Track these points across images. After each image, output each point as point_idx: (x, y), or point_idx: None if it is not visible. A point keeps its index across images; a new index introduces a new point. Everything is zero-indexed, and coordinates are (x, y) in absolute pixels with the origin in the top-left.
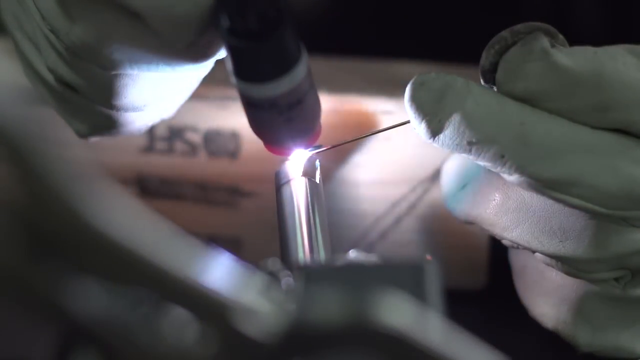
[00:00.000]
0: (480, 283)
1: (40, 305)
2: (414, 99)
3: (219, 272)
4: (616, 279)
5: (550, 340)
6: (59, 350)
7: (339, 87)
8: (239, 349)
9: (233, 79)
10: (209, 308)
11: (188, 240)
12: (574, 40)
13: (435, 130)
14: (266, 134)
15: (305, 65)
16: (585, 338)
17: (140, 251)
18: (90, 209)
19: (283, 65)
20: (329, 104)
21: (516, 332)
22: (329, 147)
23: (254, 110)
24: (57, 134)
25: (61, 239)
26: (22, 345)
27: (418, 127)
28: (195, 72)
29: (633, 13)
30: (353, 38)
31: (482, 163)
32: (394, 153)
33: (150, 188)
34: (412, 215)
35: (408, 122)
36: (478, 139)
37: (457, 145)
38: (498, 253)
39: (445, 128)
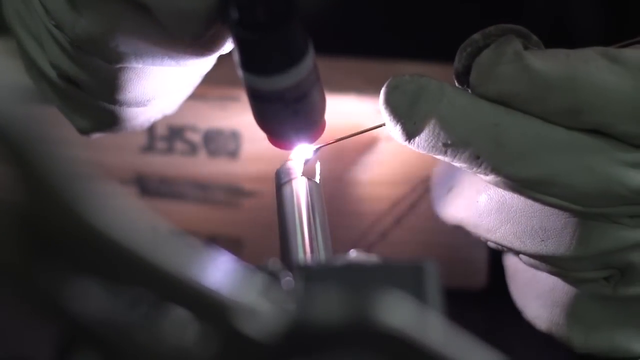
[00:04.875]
0: (480, 283)
1: (41, 305)
2: (389, 102)
3: (219, 272)
4: (606, 279)
5: (550, 340)
6: (59, 350)
7: (339, 87)
8: (239, 349)
9: (240, 72)
10: (209, 308)
11: (188, 240)
12: (574, 42)
13: (410, 133)
14: (271, 127)
15: (312, 59)
16: (579, 339)
17: (140, 251)
18: (90, 209)
19: (290, 58)
20: (328, 103)
21: (516, 332)
22: (327, 143)
23: (260, 103)
24: (57, 134)
25: (61, 238)
26: (23, 345)
27: (393, 130)
28: (198, 67)
29: (632, 14)
30: (353, 38)
31: (458, 164)
32: (394, 153)
33: (150, 188)
34: (412, 215)
35: (383, 124)
36: (453, 141)
37: (432, 147)
38: (498, 253)
39: (421, 130)
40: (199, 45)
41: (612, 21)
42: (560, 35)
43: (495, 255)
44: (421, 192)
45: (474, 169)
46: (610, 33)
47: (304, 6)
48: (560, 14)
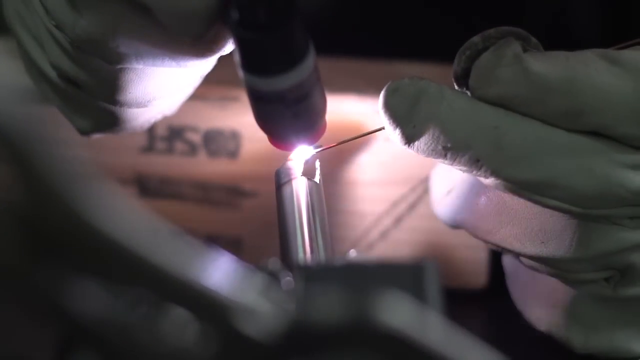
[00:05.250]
0: (480, 283)
1: (41, 305)
2: (388, 106)
3: (219, 272)
4: (606, 280)
5: (550, 340)
6: (59, 350)
7: (339, 87)
8: (239, 349)
9: (240, 72)
10: (209, 308)
11: (188, 240)
12: (574, 42)
13: (410, 137)
14: (272, 128)
15: (313, 59)
16: (579, 340)
17: (140, 251)
18: (90, 209)
19: (291, 58)
20: (329, 104)
21: (517, 332)
22: (327, 147)
23: (261, 103)
24: (57, 134)
25: (61, 239)
26: (22, 345)
27: (393, 134)
28: (199, 68)
29: (632, 15)
30: (353, 38)
31: (458, 167)
32: (394, 153)
33: (150, 188)
34: (412, 215)
35: (383, 128)
36: (453, 144)
37: (432, 150)
38: (498, 253)
39: (420, 134)
40: (200, 45)
41: (612, 21)
42: (560, 36)
43: (495, 256)
44: (421, 192)
45: (474, 171)
46: (610, 33)
47: (304, 6)
48: (560, 14)
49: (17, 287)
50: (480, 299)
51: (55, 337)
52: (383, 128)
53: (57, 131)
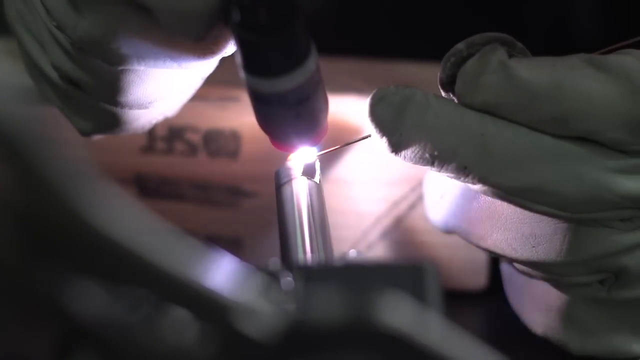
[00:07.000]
0: (481, 283)
1: (40, 305)
2: (374, 114)
3: (219, 272)
4: (600, 282)
5: (550, 340)
6: (59, 350)
7: (339, 87)
8: (239, 349)
9: (242, 74)
10: (209, 308)
11: (188, 240)
12: (575, 43)
13: (396, 145)
14: (274, 129)
15: (314, 61)
16: (576, 343)
17: (140, 251)
18: (90, 209)
19: (293, 60)
20: (329, 104)
21: (516, 332)
22: (326, 150)
23: (263, 105)
24: (57, 134)
25: (61, 239)
26: (22, 345)
27: (380, 142)
28: (200, 69)
29: (633, 14)
30: (353, 38)
31: (445, 174)
32: None
33: (150, 188)
34: (412, 215)
35: (369, 136)
36: (439, 152)
37: (419, 158)
38: None
39: (407, 142)
40: (201, 47)
41: (612, 21)
42: (560, 35)
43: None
44: (421, 192)
45: (462, 178)
46: (611, 33)
47: (305, 7)
48: (560, 13)
49: (17, 287)
50: (480, 299)
51: (55, 337)
52: (370, 136)
53: (58, 131)
